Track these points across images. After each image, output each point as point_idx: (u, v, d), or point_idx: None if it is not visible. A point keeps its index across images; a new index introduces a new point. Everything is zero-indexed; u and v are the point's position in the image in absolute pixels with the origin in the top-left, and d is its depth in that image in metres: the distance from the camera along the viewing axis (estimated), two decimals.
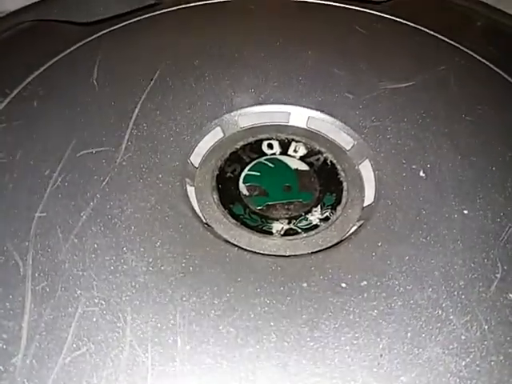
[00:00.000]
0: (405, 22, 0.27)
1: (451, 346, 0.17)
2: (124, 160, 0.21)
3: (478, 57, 0.26)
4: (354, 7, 0.28)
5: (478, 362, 0.16)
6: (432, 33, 0.27)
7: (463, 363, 0.16)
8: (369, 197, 0.21)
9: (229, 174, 0.22)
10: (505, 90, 0.24)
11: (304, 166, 0.23)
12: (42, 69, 0.23)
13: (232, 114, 0.24)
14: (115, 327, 0.16)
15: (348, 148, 0.23)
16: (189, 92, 0.24)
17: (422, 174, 0.21)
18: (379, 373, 0.16)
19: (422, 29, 0.27)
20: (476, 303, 0.18)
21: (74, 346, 0.15)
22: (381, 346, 0.16)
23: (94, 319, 0.16)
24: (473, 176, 0.21)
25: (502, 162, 0.21)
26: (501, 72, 0.25)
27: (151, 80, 0.24)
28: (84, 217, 0.19)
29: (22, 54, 0.25)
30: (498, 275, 0.18)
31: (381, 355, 0.16)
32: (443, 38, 0.27)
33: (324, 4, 0.29)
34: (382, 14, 0.28)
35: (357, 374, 0.16)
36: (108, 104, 0.23)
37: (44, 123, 0.22)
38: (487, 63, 0.25)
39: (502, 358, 0.16)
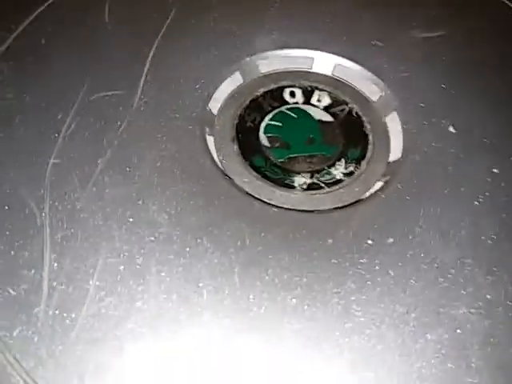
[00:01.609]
0: None
1: (476, 305, 0.16)
2: (141, 105, 0.20)
3: None
4: None
5: (502, 321, 0.16)
6: None
7: (487, 322, 0.16)
8: (395, 151, 0.21)
9: (249, 124, 0.21)
10: None
11: (328, 117, 0.22)
12: (49, 1, 0.21)
13: (252, 57, 0.22)
14: (139, 279, 0.16)
15: (375, 99, 0.22)
16: (206, 33, 0.22)
17: (451, 129, 0.20)
18: (405, 330, 0.16)
19: None
20: (501, 263, 0.17)
21: (97, 297, 0.15)
22: (407, 304, 0.16)
23: (117, 271, 0.16)
24: (504, 133, 0.20)
25: None
26: None
27: (167, 19, 0.22)
28: (101, 164, 0.18)
29: None
30: None
31: (407, 312, 0.16)
32: None
33: None
34: None
35: (383, 331, 0.16)
36: (122, 44, 0.21)
37: (54, 63, 0.20)
38: None
39: None
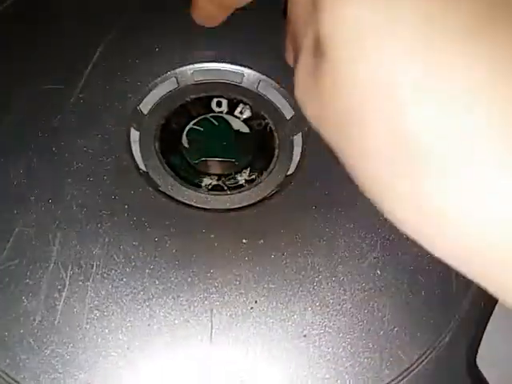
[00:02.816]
0: None
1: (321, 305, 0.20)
2: (78, 99, 0.23)
3: None
4: None
5: None
6: None
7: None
8: (293, 167, 0.24)
9: (174, 126, 0.25)
10: None
11: (245, 129, 0.25)
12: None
13: (189, 66, 0.25)
14: (45, 246, 0.19)
15: (288, 118, 0.25)
16: (151, 39, 0.25)
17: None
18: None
19: None
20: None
21: (9, 256, 0.19)
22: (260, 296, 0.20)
23: (29, 237, 0.19)
24: None
25: None
26: None
27: (116, 21, 0.25)
28: (33, 148, 0.21)
29: None
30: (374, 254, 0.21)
31: (256, 302, 0.20)
32: None
33: None
34: None
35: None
36: (70, 42, 0.24)
37: (4, 56, 0.23)
38: None
39: None
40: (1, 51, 0.24)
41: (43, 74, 0.23)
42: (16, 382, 0.16)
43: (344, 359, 0.19)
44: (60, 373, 0.16)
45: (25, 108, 0.22)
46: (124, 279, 0.19)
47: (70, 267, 0.19)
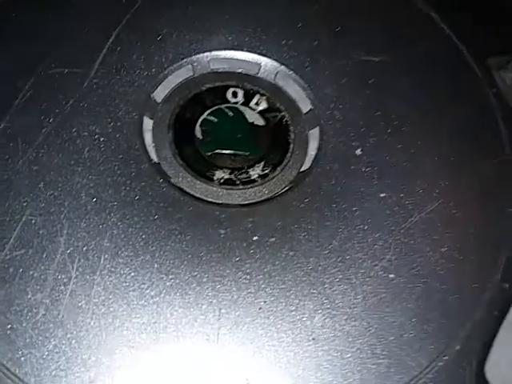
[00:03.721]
0: None
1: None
2: (92, 85, 0.22)
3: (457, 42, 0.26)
4: None
5: None
6: (421, 6, 0.26)
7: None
8: (308, 163, 0.23)
9: (188, 115, 0.24)
10: (472, 85, 0.25)
11: (260, 121, 0.24)
12: None
13: (205, 54, 0.25)
14: (52, 237, 0.19)
15: (305, 111, 0.24)
16: (167, 25, 0.25)
17: (358, 151, 0.23)
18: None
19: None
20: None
21: (14, 246, 0.19)
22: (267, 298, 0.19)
23: (35, 226, 0.19)
24: (402, 166, 0.22)
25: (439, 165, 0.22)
26: (473, 65, 0.25)
27: (133, 6, 0.24)
28: (45, 133, 0.21)
29: None
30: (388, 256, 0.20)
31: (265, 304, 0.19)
32: (433, 14, 0.26)
33: None
34: None
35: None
36: (86, 24, 0.23)
37: (21, 32, 0.23)
38: (466, 54, 0.25)
39: None
40: (13, 32, 0.23)
41: (55, 56, 0.23)
42: (17, 377, 0.16)
43: (352, 364, 0.18)
44: (62, 370, 0.16)
45: (35, 92, 0.22)
46: (131, 274, 0.18)
47: (76, 259, 0.18)
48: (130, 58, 0.23)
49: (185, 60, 0.24)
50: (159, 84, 0.24)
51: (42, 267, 0.18)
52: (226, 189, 0.22)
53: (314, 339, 0.18)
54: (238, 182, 0.23)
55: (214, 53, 0.25)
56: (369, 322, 0.19)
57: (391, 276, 0.20)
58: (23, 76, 0.22)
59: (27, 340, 0.16)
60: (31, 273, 0.18)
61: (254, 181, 0.23)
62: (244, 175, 0.23)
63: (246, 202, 0.22)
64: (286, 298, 0.19)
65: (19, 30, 0.23)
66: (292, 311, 0.19)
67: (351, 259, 0.20)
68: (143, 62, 0.24)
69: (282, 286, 0.19)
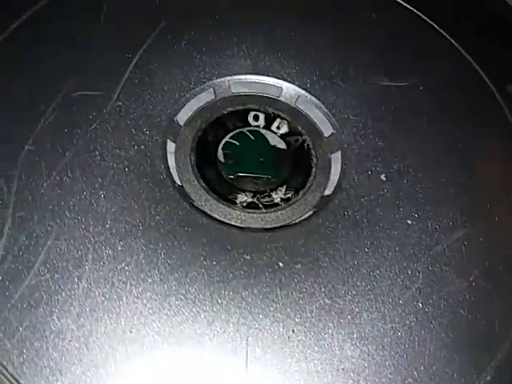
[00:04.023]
0: (418, 12, 0.27)
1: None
2: (114, 108, 0.22)
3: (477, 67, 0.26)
4: None
5: None
6: (442, 31, 0.27)
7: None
8: (330, 187, 0.23)
9: (210, 138, 0.24)
10: (493, 111, 0.25)
11: (282, 145, 0.24)
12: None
13: (227, 78, 0.25)
14: (77, 261, 0.19)
15: (327, 135, 0.24)
16: (190, 49, 0.25)
17: (383, 177, 0.22)
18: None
19: (433, 24, 0.27)
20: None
21: (40, 270, 0.18)
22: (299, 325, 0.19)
23: (61, 251, 0.19)
24: (428, 192, 0.22)
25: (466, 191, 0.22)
26: (493, 90, 0.25)
27: (155, 30, 0.25)
28: (68, 157, 0.21)
29: None
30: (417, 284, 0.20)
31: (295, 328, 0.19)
32: (454, 42, 0.27)
33: None
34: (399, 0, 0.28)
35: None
36: (109, 47, 0.24)
37: (44, 57, 0.23)
38: (487, 80, 0.25)
39: None
40: (36, 52, 0.23)
41: (79, 79, 0.23)
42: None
43: None
44: None
45: (58, 115, 0.22)
46: (157, 300, 0.18)
47: (102, 284, 0.18)
48: (152, 82, 0.24)
49: (206, 84, 0.24)
50: (182, 107, 0.24)
51: (68, 293, 0.18)
52: (249, 212, 0.22)
53: (343, 369, 0.18)
54: (260, 206, 0.23)
55: (236, 77, 0.25)
56: (398, 352, 0.19)
57: (420, 305, 0.19)
58: (46, 99, 0.22)
59: (52, 366, 0.16)
60: (57, 298, 0.17)
61: (277, 204, 0.23)
62: (267, 199, 0.23)
63: (269, 227, 0.22)
64: (315, 327, 0.18)
65: (43, 54, 0.23)
66: (320, 340, 0.18)
67: (379, 287, 0.19)
68: (166, 85, 0.24)
69: (310, 315, 0.19)
